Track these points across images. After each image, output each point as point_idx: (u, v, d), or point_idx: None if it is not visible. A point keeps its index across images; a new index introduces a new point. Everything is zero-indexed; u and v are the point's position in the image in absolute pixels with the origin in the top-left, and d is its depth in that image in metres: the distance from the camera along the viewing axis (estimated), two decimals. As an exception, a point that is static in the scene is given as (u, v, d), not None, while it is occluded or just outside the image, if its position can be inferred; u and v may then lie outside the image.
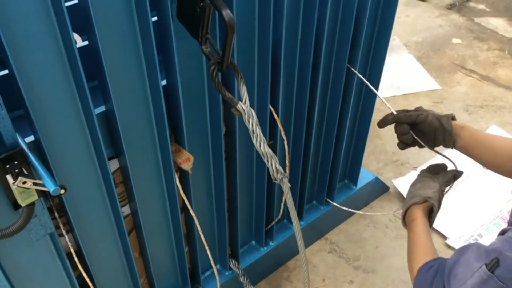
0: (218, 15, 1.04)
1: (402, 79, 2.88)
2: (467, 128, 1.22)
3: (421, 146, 1.30)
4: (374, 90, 1.58)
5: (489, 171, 2.32)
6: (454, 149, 1.26)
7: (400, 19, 3.34)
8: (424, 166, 2.34)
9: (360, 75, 1.59)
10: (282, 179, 1.07)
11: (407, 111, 1.27)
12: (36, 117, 0.98)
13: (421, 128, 1.24)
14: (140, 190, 1.28)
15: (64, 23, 0.90)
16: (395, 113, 1.27)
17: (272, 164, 1.06)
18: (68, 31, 0.91)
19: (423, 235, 1.14)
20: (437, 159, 2.40)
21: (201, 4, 0.92)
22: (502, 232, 0.93)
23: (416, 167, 2.35)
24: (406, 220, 1.22)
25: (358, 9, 1.45)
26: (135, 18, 1.01)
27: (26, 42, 0.90)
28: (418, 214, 1.18)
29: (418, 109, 1.26)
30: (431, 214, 1.20)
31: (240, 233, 1.71)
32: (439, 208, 1.22)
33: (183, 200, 1.39)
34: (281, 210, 1.76)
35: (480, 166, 2.37)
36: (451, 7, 3.54)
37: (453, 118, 1.23)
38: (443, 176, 1.27)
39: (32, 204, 0.98)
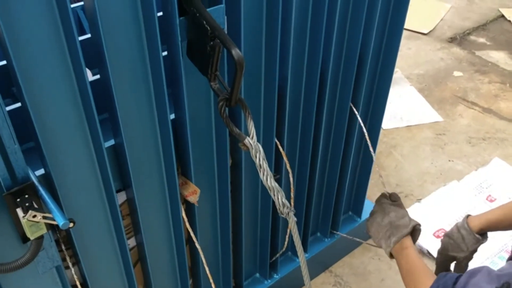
0: (227, 53, 1.07)
1: (405, 111, 2.91)
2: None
3: None
4: (372, 152, 1.62)
5: (493, 204, 2.32)
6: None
7: (402, 52, 3.39)
8: (428, 198, 2.36)
9: (360, 121, 1.63)
10: (288, 213, 1.08)
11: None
12: (47, 150, 1.00)
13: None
14: (146, 222, 1.29)
15: (77, 57, 0.92)
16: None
17: (278, 198, 1.07)
18: (81, 66, 0.93)
19: (420, 260, 1.21)
20: (441, 192, 2.41)
21: (211, 43, 0.95)
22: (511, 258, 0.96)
23: (420, 199, 2.35)
24: (394, 250, 1.28)
25: (362, 47, 1.49)
26: (146, 54, 1.04)
27: (40, 76, 0.92)
28: (409, 243, 1.26)
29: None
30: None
31: (245, 266, 1.71)
32: None
33: (188, 232, 1.39)
34: (286, 243, 1.76)
35: (485, 198, 2.38)
36: (452, 40, 3.60)
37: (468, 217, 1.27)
38: (402, 204, 1.37)
39: (41, 237, 0.98)
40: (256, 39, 1.21)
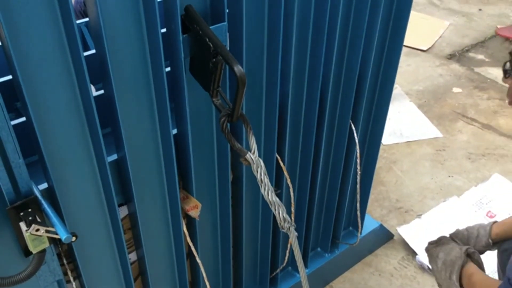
0: (229, 69, 1.09)
1: (404, 127, 2.93)
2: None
3: None
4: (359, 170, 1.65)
5: (493, 220, 2.32)
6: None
7: (402, 68, 3.42)
8: (428, 213, 2.36)
9: (357, 139, 1.66)
10: (289, 228, 1.08)
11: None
12: (51, 164, 1.01)
13: None
14: (147, 236, 1.30)
15: (82, 73, 0.93)
16: None
17: (279, 213, 1.07)
18: (86, 81, 0.94)
19: (491, 279, 1.19)
20: (441, 208, 2.41)
21: (214, 60, 0.96)
22: None
23: (420, 215, 2.36)
24: (464, 285, 1.24)
25: (362, 64, 1.51)
26: (149, 70, 1.05)
27: (45, 91, 0.93)
28: (472, 269, 1.22)
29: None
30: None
31: (245, 281, 1.71)
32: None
33: (189, 246, 1.39)
34: (286, 258, 1.76)
35: (485, 214, 2.38)
36: (451, 57, 3.63)
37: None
38: (446, 238, 1.36)
39: (43, 251, 0.99)
40: (258, 55, 1.22)
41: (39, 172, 1.04)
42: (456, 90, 3.27)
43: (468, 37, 3.85)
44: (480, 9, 4.23)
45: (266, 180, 1.05)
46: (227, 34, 1.09)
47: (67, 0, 0.84)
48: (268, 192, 1.06)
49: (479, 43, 3.78)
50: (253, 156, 1.05)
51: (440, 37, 3.84)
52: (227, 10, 1.07)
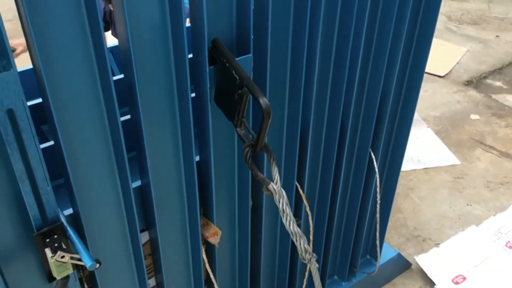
0: (253, 99, 1.10)
1: (422, 153, 2.91)
2: None
3: None
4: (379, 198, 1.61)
5: (513, 251, 2.29)
6: None
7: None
8: (447, 243, 2.33)
9: (377, 169, 1.65)
10: (310, 260, 1.08)
11: None
12: (77, 189, 1.02)
13: None
14: (167, 262, 1.30)
15: (110, 98, 0.95)
16: None
17: (301, 244, 1.07)
18: (114, 106, 0.95)
19: None
20: (459, 237, 2.38)
21: (239, 91, 0.98)
22: None
23: (439, 244, 2.33)
24: None
25: (383, 92, 1.51)
26: (175, 98, 1.07)
27: (74, 115, 0.94)
28: None
29: None
30: None
31: (261, 308, 1.69)
32: None
33: (207, 272, 1.39)
34: (304, 286, 1.74)
35: (504, 244, 2.34)
36: (468, 83, 3.62)
37: None
38: None
39: (67, 277, 1.00)
40: (281, 85, 1.24)
41: (63, 197, 1.06)
42: (474, 117, 3.26)
43: (485, 64, 3.84)
44: (497, 36, 4.23)
45: (288, 210, 1.06)
46: (252, 65, 1.11)
47: (99, 27, 0.86)
48: (289, 223, 1.06)
49: (496, 69, 3.78)
50: (275, 186, 1.05)
51: (457, 63, 3.84)
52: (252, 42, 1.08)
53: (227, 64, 0.99)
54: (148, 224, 1.23)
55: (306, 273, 1.71)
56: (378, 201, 1.70)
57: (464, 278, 2.14)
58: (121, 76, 1.17)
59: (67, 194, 1.05)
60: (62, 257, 0.94)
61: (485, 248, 2.31)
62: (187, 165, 1.17)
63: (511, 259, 2.25)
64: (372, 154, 1.65)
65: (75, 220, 1.06)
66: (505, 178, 2.75)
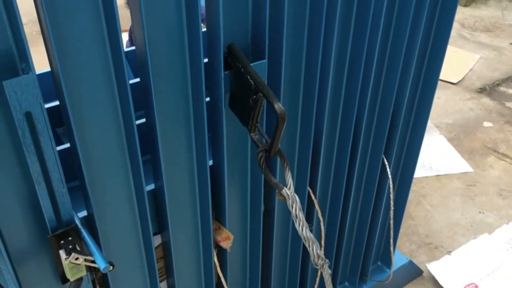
0: (267, 105, 1.11)
1: (434, 160, 2.89)
2: None
3: None
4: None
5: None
6: None
7: (431, 100, 3.40)
8: (459, 251, 2.31)
9: (390, 177, 1.64)
10: (323, 265, 1.08)
11: None
12: (92, 192, 1.03)
13: None
14: (179, 266, 1.30)
15: (126, 101, 0.95)
16: None
17: (313, 250, 1.07)
18: (130, 110, 0.96)
19: None
20: (471, 245, 2.35)
21: (254, 97, 0.98)
22: None
23: (450, 251, 2.31)
24: None
25: (396, 99, 1.51)
26: (190, 101, 1.07)
27: (90, 117, 0.95)
28: None
29: None
30: None
31: (272, 313, 1.69)
32: None
33: (218, 276, 1.40)
34: (314, 292, 1.74)
35: (517, 253, 2.32)
36: (481, 90, 3.59)
37: None
38: None
39: (80, 279, 1.00)
40: (295, 92, 1.24)
41: (77, 199, 1.07)
42: (486, 124, 3.23)
43: (498, 71, 3.81)
44: (511, 43, 4.20)
45: (301, 215, 1.05)
46: (266, 70, 1.11)
47: (117, 31, 0.87)
48: (302, 228, 1.06)
49: (510, 77, 3.74)
50: (289, 192, 1.05)
51: (470, 70, 3.82)
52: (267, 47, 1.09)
53: (242, 70, 1.00)
54: (161, 227, 1.24)
55: (317, 279, 1.70)
56: (392, 208, 1.69)
57: (476, 287, 2.12)
58: (136, 80, 1.18)
59: (81, 196, 1.06)
60: (76, 259, 0.95)
61: (498, 257, 2.28)
62: (201, 169, 1.18)
63: (525, 268, 2.22)
64: (385, 160, 1.64)
65: (89, 222, 1.07)
66: (518, 186, 2.73)
